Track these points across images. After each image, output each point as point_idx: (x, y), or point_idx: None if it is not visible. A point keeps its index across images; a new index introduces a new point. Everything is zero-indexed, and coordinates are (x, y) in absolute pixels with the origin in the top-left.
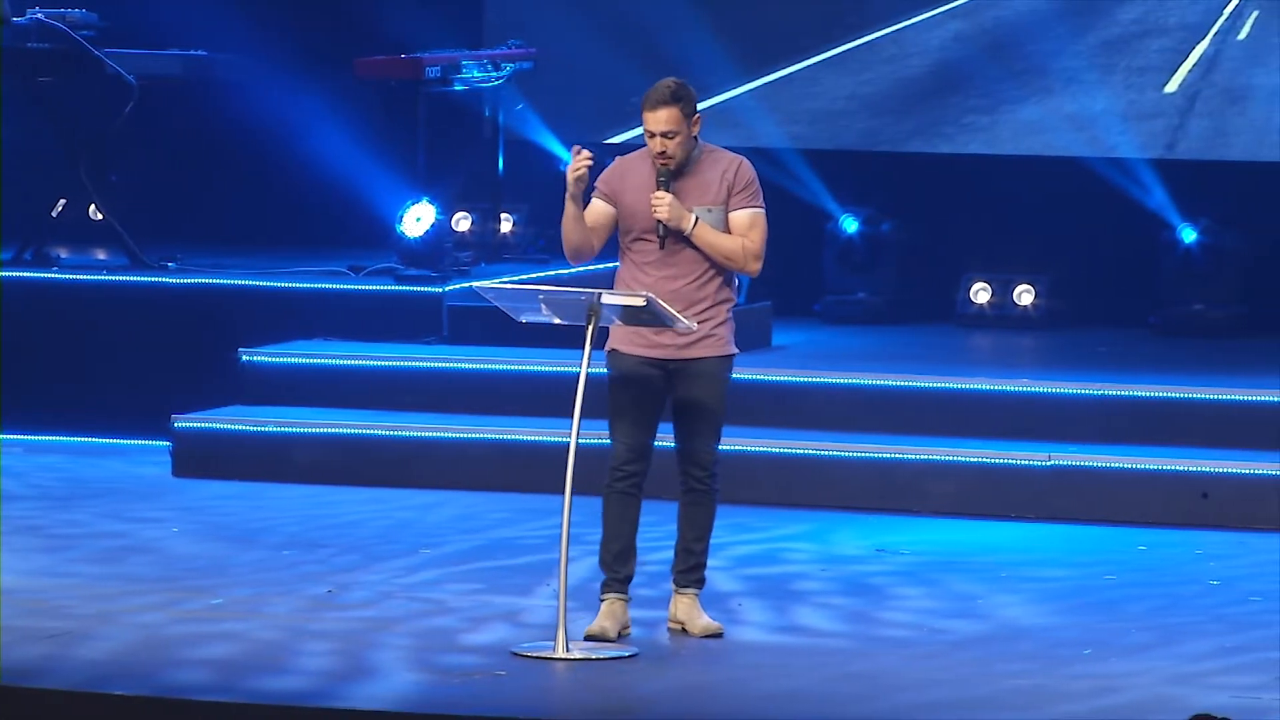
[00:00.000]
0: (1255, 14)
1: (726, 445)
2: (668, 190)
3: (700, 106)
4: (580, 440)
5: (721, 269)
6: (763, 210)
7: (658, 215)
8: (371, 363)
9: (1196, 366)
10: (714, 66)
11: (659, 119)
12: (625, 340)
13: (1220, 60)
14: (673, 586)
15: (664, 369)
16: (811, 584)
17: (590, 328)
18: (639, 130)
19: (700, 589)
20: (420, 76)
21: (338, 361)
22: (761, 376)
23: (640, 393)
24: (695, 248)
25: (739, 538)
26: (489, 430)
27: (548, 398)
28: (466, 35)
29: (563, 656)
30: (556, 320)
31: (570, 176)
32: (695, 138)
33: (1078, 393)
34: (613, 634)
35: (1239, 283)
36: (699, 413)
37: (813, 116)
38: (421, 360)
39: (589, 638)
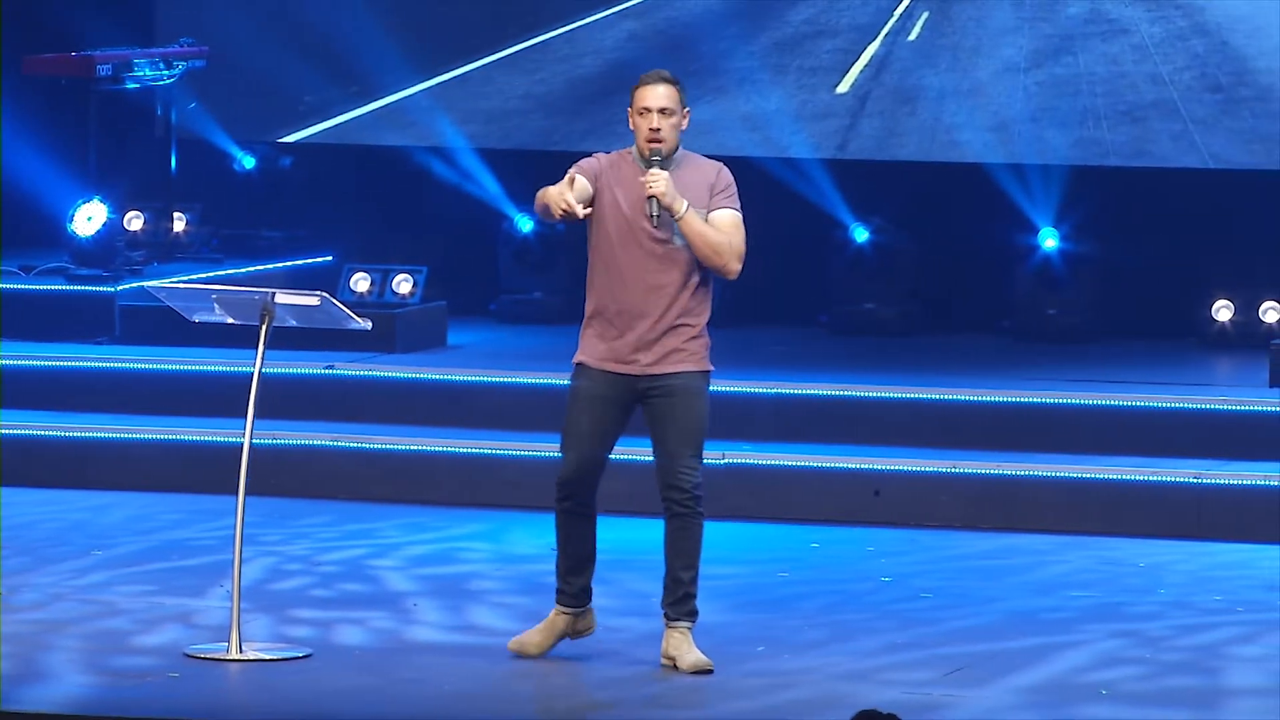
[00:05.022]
0: (925, 15)
1: (401, 445)
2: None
3: (373, 106)
4: (254, 440)
5: (699, 281)
6: (739, 214)
7: (653, 189)
8: (42, 363)
9: (868, 365)
10: (387, 66)
11: (658, 94)
12: (594, 355)
13: (891, 61)
14: (664, 620)
15: (633, 387)
16: (487, 583)
17: (264, 327)
18: (313, 129)
19: (693, 621)
20: (91, 75)
21: (7, 362)
22: (436, 376)
23: (596, 410)
24: (675, 253)
25: (415, 537)
26: (162, 431)
27: (221, 398)
28: (137, 33)
29: (236, 657)
30: (230, 320)
31: (564, 200)
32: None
33: (751, 391)
34: (532, 647)
35: (910, 281)
36: (674, 432)
37: (487, 116)
38: (93, 360)
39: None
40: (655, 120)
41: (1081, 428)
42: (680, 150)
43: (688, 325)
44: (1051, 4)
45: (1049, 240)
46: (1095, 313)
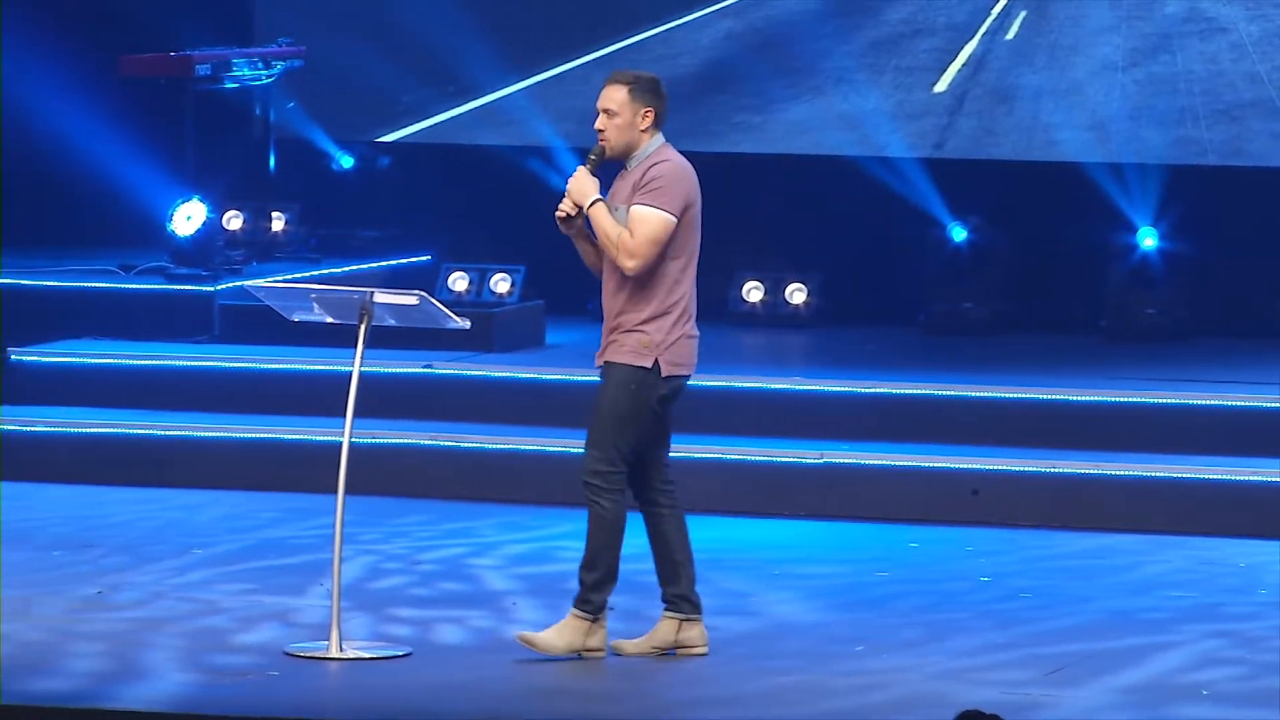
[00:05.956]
0: (1023, 14)
1: (499, 444)
2: (592, 170)
3: (471, 105)
4: (353, 440)
5: (637, 279)
6: (659, 213)
7: (568, 184)
8: (141, 362)
9: (965, 364)
10: (484, 65)
11: (605, 95)
12: None
13: (988, 60)
14: None
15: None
16: None
17: (363, 326)
18: (411, 128)
19: (582, 610)
20: (190, 74)
21: (108, 361)
22: (534, 375)
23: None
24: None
25: (513, 536)
26: (261, 430)
27: (319, 397)
28: (236, 33)
29: (335, 656)
30: (329, 319)
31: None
32: (646, 133)
33: (849, 391)
34: (627, 649)
35: (1006, 281)
36: (593, 418)
37: (584, 115)
38: (193, 359)
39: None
40: (600, 120)
41: (1180, 427)
42: (656, 148)
43: (625, 320)
44: (1149, 3)
45: (1148, 239)
46: (1193, 312)
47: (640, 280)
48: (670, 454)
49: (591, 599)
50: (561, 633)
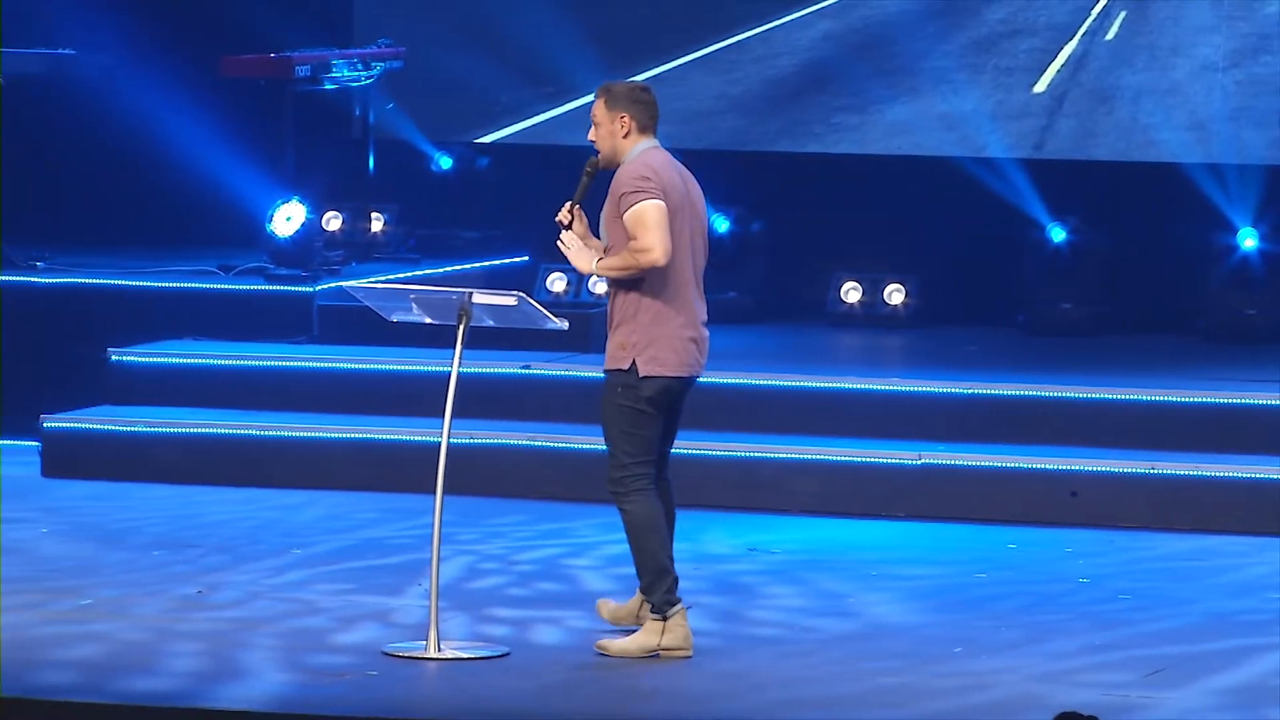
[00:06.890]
0: (1123, 14)
1: (596, 444)
2: (587, 184)
3: (568, 106)
4: (451, 440)
5: (621, 287)
6: (643, 201)
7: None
8: (241, 362)
9: (1065, 365)
10: (582, 66)
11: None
12: None
13: (1088, 60)
14: None
15: None
16: (682, 583)
17: (462, 327)
18: (509, 129)
19: (653, 611)
20: (290, 75)
21: (207, 361)
22: None
23: None
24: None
25: (609, 537)
26: (358, 430)
27: (418, 398)
28: (336, 34)
29: (434, 656)
30: (427, 320)
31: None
32: (627, 140)
33: (947, 391)
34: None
35: (1106, 281)
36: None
37: (682, 116)
38: (291, 360)
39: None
40: (591, 131)
41: None
42: (638, 153)
43: (613, 325)
44: (1250, 3)
45: (1248, 240)
46: None
47: (629, 290)
48: (767, 455)
49: (651, 600)
50: (635, 638)
